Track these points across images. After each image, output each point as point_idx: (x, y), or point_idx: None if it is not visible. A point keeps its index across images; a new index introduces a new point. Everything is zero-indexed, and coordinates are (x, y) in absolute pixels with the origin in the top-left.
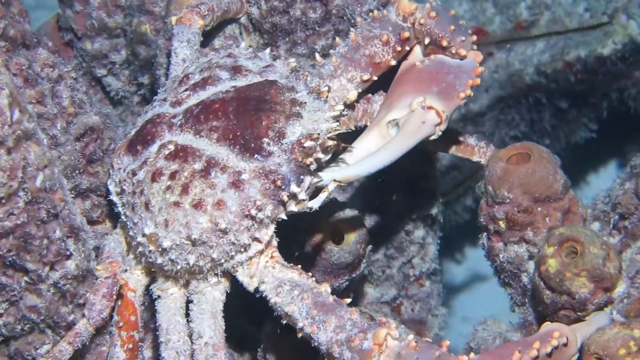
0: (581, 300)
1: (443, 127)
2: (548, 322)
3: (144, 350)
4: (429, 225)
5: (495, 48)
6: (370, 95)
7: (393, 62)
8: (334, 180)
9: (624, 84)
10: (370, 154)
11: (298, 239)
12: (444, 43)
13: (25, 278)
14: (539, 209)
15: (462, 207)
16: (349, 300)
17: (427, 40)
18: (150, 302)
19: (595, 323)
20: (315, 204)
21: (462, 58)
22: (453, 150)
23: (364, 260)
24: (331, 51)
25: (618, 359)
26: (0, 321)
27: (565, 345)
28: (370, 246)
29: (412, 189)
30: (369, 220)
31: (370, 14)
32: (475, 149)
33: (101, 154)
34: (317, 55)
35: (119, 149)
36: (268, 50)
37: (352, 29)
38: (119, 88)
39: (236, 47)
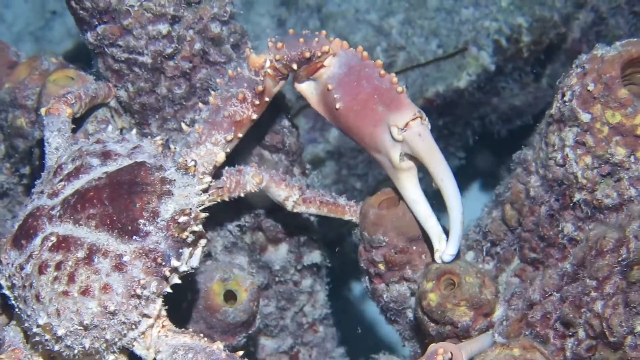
0: (464, 328)
1: (426, 118)
2: (433, 344)
3: None
4: (315, 273)
5: None
6: (241, 167)
7: (255, 117)
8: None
9: (484, 111)
10: (450, 209)
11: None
12: (307, 55)
13: None
14: (414, 247)
15: (349, 247)
16: (241, 353)
17: (295, 66)
18: None
19: (479, 340)
20: (194, 262)
21: (328, 53)
22: (324, 211)
23: (258, 316)
24: (196, 117)
25: None
26: None
27: (450, 359)
28: (262, 301)
29: (294, 242)
30: (257, 277)
31: (227, 73)
32: (345, 209)
33: None
34: (184, 125)
35: (5, 244)
36: (134, 131)
37: (212, 92)
38: (3, 181)
39: (104, 131)
